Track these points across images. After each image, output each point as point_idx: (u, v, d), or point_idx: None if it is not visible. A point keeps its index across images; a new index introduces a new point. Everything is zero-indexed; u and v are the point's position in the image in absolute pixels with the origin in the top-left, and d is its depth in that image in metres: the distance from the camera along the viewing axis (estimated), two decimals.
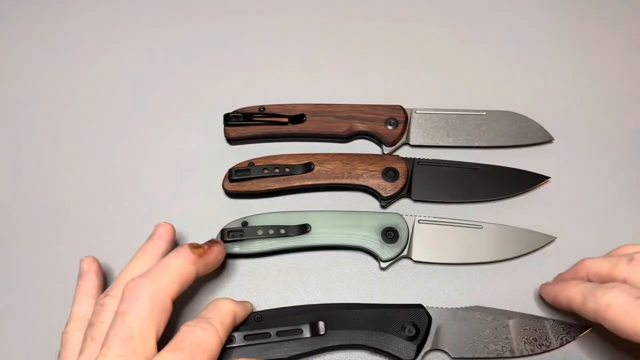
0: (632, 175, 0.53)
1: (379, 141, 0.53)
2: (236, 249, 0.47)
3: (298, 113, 0.53)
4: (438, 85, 0.57)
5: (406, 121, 0.53)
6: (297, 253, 0.49)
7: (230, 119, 0.52)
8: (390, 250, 0.47)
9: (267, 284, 0.48)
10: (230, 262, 0.49)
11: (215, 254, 0.41)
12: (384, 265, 0.48)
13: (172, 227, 0.43)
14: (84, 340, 0.37)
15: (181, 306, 0.46)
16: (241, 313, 0.42)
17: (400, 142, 0.53)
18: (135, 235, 0.49)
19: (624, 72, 0.58)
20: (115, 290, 0.39)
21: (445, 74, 0.58)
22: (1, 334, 0.46)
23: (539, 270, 0.48)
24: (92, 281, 0.41)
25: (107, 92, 0.57)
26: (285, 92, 0.56)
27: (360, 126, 0.53)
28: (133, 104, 0.56)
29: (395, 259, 0.48)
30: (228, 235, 0.47)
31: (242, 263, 0.49)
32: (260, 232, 0.47)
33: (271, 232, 0.47)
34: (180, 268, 0.38)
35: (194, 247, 0.40)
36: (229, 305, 0.40)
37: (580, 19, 0.61)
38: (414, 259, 0.48)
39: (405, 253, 0.48)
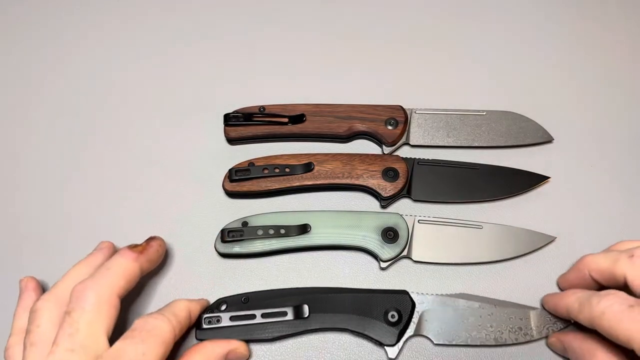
0: (632, 175, 0.52)
1: (379, 141, 0.53)
2: (236, 249, 0.47)
3: (298, 113, 0.53)
4: (438, 85, 0.57)
5: (406, 121, 0.53)
6: (297, 253, 0.49)
7: (230, 119, 0.52)
8: (390, 250, 0.47)
9: (267, 284, 0.48)
10: (230, 262, 0.49)
11: (156, 249, 0.44)
12: (384, 265, 0.48)
13: (113, 244, 0.45)
14: (24, 348, 0.38)
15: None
16: (196, 308, 0.43)
17: (400, 142, 0.53)
18: (135, 234, 0.49)
19: (624, 72, 0.58)
20: (48, 295, 0.39)
21: (445, 74, 0.58)
22: None
23: (539, 270, 0.48)
24: (30, 298, 0.42)
25: (106, 92, 0.57)
26: (285, 92, 0.56)
27: (360, 126, 0.53)
28: (133, 104, 0.56)
29: (395, 259, 0.48)
30: (228, 235, 0.47)
31: (242, 263, 0.49)
32: (260, 232, 0.47)
33: (271, 232, 0.47)
34: (124, 266, 0.40)
35: (133, 246, 0.42)
36: (183, 302, 0.42)
37: (580, 19, 0.61)
38: (414, 259, 0.48)
39: (405, 253, 0.48)
